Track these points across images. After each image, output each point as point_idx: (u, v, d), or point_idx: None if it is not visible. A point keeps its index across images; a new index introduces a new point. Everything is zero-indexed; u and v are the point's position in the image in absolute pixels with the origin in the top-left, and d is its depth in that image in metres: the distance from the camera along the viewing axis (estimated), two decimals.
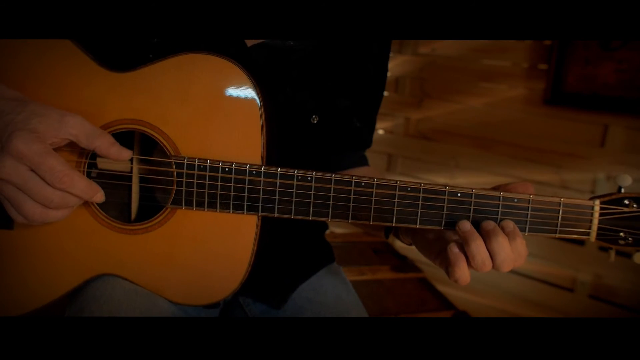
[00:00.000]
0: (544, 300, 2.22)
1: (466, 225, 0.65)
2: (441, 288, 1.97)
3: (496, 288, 2.36)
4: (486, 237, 0.64)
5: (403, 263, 2.21)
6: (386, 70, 0.95)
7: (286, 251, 0.94)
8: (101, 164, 0.71)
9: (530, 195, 0.67)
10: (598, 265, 2.08)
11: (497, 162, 2.28)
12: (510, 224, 0.66)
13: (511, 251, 0.64)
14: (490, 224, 0.65)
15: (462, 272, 0.65)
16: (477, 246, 0.63)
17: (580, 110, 2.04)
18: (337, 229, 2.75)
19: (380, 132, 2.70)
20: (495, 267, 0.64)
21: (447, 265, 0.67)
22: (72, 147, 0.66)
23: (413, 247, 0.78)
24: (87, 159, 0.70)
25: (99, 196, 0.65)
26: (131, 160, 0.73)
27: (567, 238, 0.69)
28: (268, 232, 0.81)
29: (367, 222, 0.68)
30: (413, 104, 2.55)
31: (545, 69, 2.11)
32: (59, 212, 0.64)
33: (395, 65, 2.58)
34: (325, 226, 1.03)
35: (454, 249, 0.65)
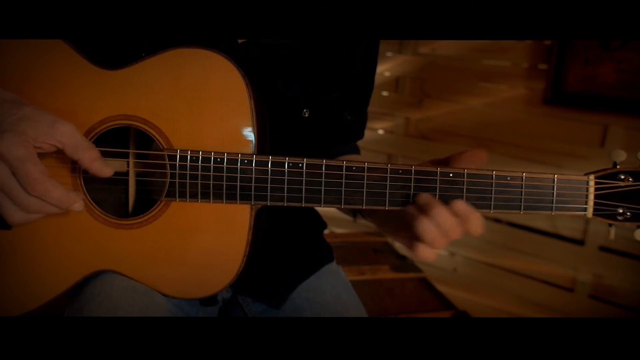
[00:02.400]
0: (544, 300, 2.23)
1: (412, 212, 0.65)
2: (441, 288, 1.97)
3: (496, 288, 2.36)
4: (423, 212, 0.64)
5: (403, 263, 2.21)
6: (375, 63, 0.95)
7: (285, 251, 0.94)
8: None
9: (523, 173, 0.67)
10: (598, 265, 2.08)
11: (497, 162, 2.28)
12: (462, 206, 0.64)
13: (452, 221, 0.63)
14: (432, 207, 0.64)
15: (424, 252, 0.65)
16: (425, 225, 0.63)
17: (580, 110, 2.04)
18: (337, 228, 2.75)
19: (380, 132, 2.70)
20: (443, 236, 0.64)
21: (409, 247, 0.67)
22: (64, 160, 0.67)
23: None
24: (82, 173, 0.70)
25: (77, 206, 0.63)
26: (127, 155, 0.73)
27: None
28: (267, 232, 0.81)
29: (360, 206, 0.68)
30: (413, 104, 2.55)
31: (545, 69, 2.11)
32: (37, 215, 0.64)
33: (395, 65, 2.58)
34: (323, 225, 1.03)
35: (408, 232, 0.66)
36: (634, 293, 2.01)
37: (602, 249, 2.07)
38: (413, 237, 0.66)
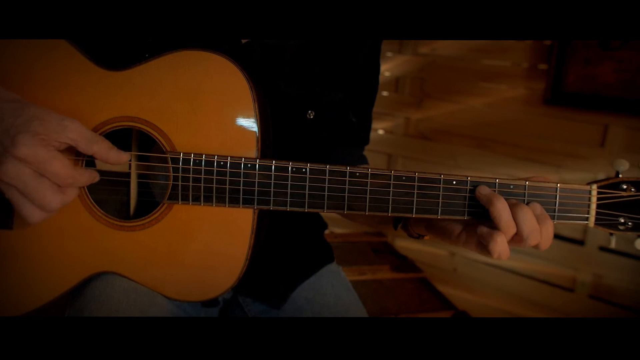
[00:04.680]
0: (544, 300, 2.23)
1: (486, 189, 0.65)
2: (441, 288, 1.97)
3: (496, 288, 2.36)
4: (511, 208, 0.64)
5: (403, 263, 2.20)
6: (378, 63, 0.95)
7: (286, 251, 0.94)
8: (100, 165, 0.71)
9: (526, 180, 0.67)
10: (598, 265, 2.08)
11: (497, 162, 2.28)
12: (538, 207, 0.66)
13: (537, 223, 0.64)
14: (512, 200, 0.65)
15: (500, 245, 0.63)
16: (502, 203, 0.63)
17: (580, 110, 2.04)
18: (337, 228, 2.75)
19: (380, 132, 2.70)
20: (524, 238, 0.63)
21: (482, 245, 0.66)
22: (69, 148, 0.66)
23: (414, 246, 0.78)
24: (84, 157, 0.70)
25: (96, 176, 0.68)
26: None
27: (566, 224, 0.68)
28: (267, 232, 0.81)
29: (363, 212, 0.68)
30: (413, 104, 2.55)
31: (545, 69, 2.11)
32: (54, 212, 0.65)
33: (395, 65, 2.58)
34: (324, 225, 1.03)
35: (484, 229, 0.64)
36: (634, 293, 2.01)
37: (602, 249, 2.07)
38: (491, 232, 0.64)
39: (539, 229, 0.64)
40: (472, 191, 0.67)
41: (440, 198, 0.67)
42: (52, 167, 0.60)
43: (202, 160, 0.68)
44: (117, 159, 0.66)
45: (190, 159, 0.68)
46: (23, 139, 0.59)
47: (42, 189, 0.61)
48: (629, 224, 0.68)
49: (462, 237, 0.70)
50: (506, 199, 0.65)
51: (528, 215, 0.63)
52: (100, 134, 0.70)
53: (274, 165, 0.67)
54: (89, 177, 0.66)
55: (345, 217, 0.91)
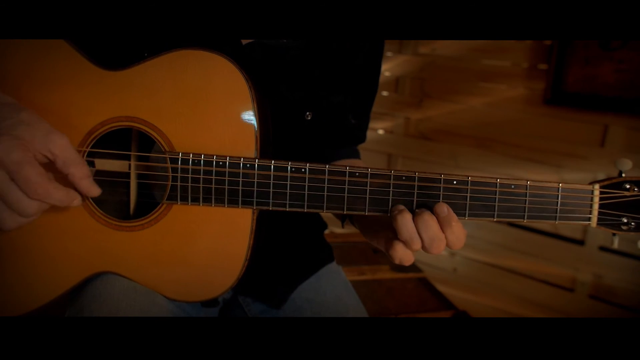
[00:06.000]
0: (544, 300, 2.23)
1: (398, 207, 0.66)
2: (441, 288, 1.97)
3: (496, 288, 2.36)
4: (414, 217, 0.65)
5: None
6: (379, 66, 0.95)
7: (286, 251, 0.94)
8: (99, 164, 0.71)
9: (527, 181, 0.66)
10: (598, 265, 2.08)
11: (497, 162, 2.28)
12: (444, 209, 0.65)
13: (439, 231, 0.64)
14: (421, 210, 0.65)
15: (400, 252, 0.65)
16: (403, 219, 0.64)
17: (580, 110, 2.04)
18: (337, 228, 2.75)
19: (380, 132, 2.70)
20: (426, 247, 0.64)
21: (386, 248, 0.67)
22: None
23: None
24: (84, 157, 0.70)
25: (77, 202, 0.64)
26: (129, 157, 0.73)
27: (568, 225, 0.67)
28: (267, 232, 0.81)
29: (363, 212, 0.68)
30: (413, 104, 2.55)
31: (545, 69, 2.11)
32: (32, 218, 0.63)
33: (395, 65, 2.58)
34: (324, 225, 1.03)
35: (389, 234, 0.67)
36: (634, 293, 2.01)
37: (602, 249, 2.07)
38: (393, 238, 0.66)
39: (441, 237, 0.64)
40: (473, 191, 0.67)
41: (441, 198, 0.67)
42: (24, 170, 0.58)
43: (201, 160, 0.68)
44: (86, 190, 0.64)
45: (189, 159, 0.68)
46: (3, 140, 0.58)
47: (18, 193, 0.59)
48: (632, 224, 0.67)
49: (382, 238, 0.71)
50: (416, 209, 0.65)
51: (428, 225, 0.63)
52: (98, 134, 0.70)
53: (273, 165, 0.67)
54: (65, 194, 0.62)
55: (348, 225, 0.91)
